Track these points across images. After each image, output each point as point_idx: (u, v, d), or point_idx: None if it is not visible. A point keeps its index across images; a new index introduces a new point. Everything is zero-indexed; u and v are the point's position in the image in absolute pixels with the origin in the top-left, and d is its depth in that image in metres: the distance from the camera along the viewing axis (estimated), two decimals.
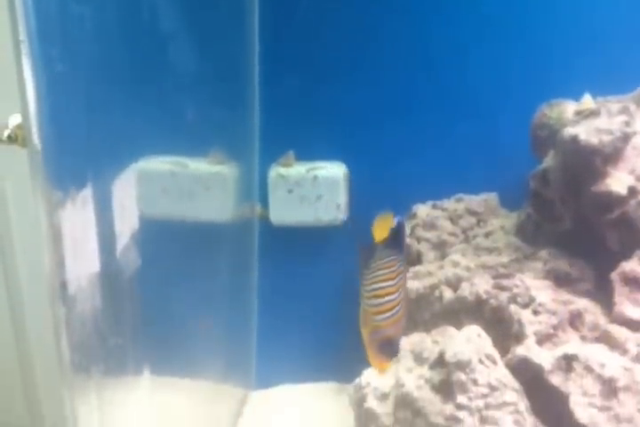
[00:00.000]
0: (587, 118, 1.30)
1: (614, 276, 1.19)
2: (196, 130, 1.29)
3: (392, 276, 0.93)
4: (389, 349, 0.90)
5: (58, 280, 0.79)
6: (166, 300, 1.21)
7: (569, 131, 1.26)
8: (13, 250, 1.68)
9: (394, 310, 0.91)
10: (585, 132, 1.24)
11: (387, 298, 0.91)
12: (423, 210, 1.63)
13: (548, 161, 1.33)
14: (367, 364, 1.28)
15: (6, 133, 1.24)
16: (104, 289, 0.89)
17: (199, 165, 1.42)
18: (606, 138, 1.23)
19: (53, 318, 0.80)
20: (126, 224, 1.02)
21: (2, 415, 1.84)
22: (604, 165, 1.22)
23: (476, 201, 1.60)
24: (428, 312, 1.42)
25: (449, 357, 1.19)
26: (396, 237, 1.00)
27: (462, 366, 1.17)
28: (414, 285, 1.45)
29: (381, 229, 1.03)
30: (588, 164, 1.22)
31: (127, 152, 1.04)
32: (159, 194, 1.24)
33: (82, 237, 0.86)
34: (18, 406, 1.86)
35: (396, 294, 0.91)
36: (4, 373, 1.78)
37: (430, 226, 1.58)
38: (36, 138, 0.78)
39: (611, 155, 1.24)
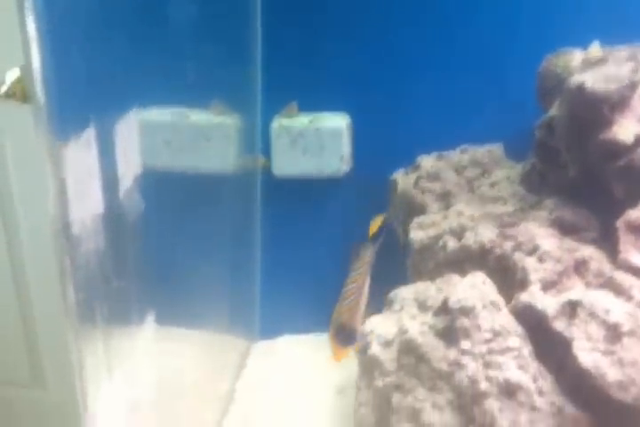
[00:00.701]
0: (594, 66, 1.28)
1: (619, 223, 1.18)
2: (197, 80, 1.28)
3: (360, 264, 0.95)
4: (343, 336, 0.89)
5: (62, 220, 0.79)
6: (168, 248, 1.21)
7: (576, 78, 1.25)
8: (13, 204, 1.68)
9: (352, 297, 0.91)
10: (592, 80, 1.23)
11: (350, 286, 0.93)
12: (427, 161, 1.62)
13: (554, 110, 1.32)
14: (369, 314, 1.30)
15: (4, 89, 1.22)
16: (107, 232, 0.89)
17: (201, 116, 1.41)
18: (614, 85, 1.22)
19: (57, 259, 0.80)
20: (128, 171, 1.02)
21: (3, 373, 1.85)
22: (610, 113, 1.21)
23: (480, 152, 1.59)
24: (431, 262, 1.43)
25: (453, 303, 1.19)
26: (379, 230, 1.03)
27: (466, 312, 1.17)
28: (418, 235, 1.45)
29: (373, 227, 1.05)
30: (594, 112, 1.21)
31: (128, 102, 1.03)
32: (160, 145, 1.23)
33: (85, 180, 0.86)
34: (19, 363, 1.88)
35: (356, 283, 0.92)
36: (5, 330, 1.79)
37: (434, 177, 1.57)
38: (38, 81, 0.77)
39: (618, 103, 1.23)
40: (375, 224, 1.16)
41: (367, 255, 0.98)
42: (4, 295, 1.76)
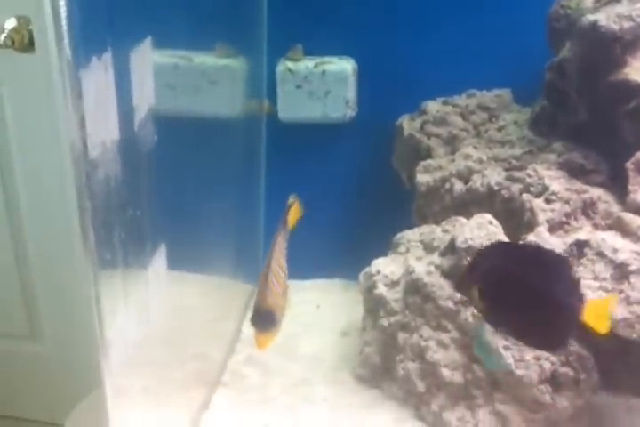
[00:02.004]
0: (607, 5, 1.26)
1: (629, 165, 1.18)
2: (202, 22, 1.25)
3: (273, 248, 0.95)
4: (263, 322, 0.87)
5: (80, 140, 0.78)
6: (175, 192, 1.20)
7: (588, 17, 1.23)
8: (10, 155, 1.67)
9: (267, 282, 0.90)
10: (605, 19, 1.21)
11: (265, 270, 0.91)
12: (433, 106, 1.60)
13: (565, 52, 1.30)
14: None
15: (2, 37, 1.20)
16: (122, 158, 0.88)
17: (205, 59, 1.38)
18: (627, 24, 1.20)
19: (76, 181, 0.80)
20: (137, 110, 1.00)
21: (1, 326, 1.86)
22: (623, 54, 1.19)
23: (488, 97, 1.57)
24: (437, 205, 1.42)
25: (460, 243, 1.20)
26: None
27: (473, 251, 1.17)
28: (424, 178, 1.44)
29: (292, 217, 1.10)
30: (606, 51, 1.19)
31: (134, 39, 1.01)
32: (164, 88, 1.21)
33: (101, 104, 0.85)
34: (17, 316, 1.88)
35: (271, 267, 0.91)
36: (2, 283, 1.79)
37: (440, 122, 1.56)
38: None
39: (631, 42, 1.21)
40: (294, 213, 1.11)
41: (279, 239, 0.97)
42: (2, 250, 1.76)
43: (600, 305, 0.84)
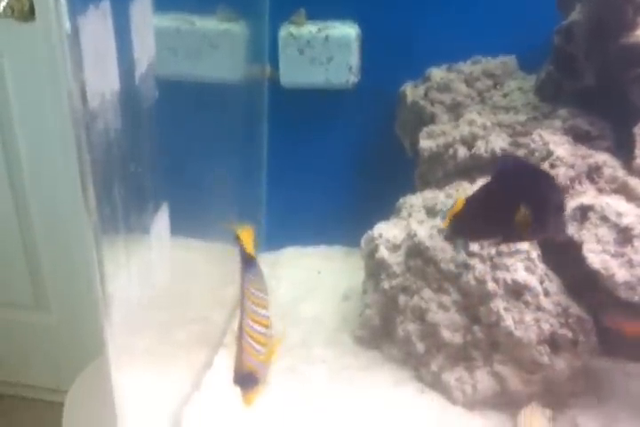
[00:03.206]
0: None
1: (637, 129, 1.17)
2: None
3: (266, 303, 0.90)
4: (243, 380, 0.85)
5: (78, 91, 0.77)
6: (177, 156, 1.19)
7: None
8: (12, 125, 1.66)
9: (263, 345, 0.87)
10: None
11: (266, 330, 0.88)
12: (437, 73, 1.59)
13: (575, 15, 1.29)
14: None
15: (2, 6, 1.18)
16: (123, 111, 0.87)
17: (206, 23, 1.37)
18: None
19: (75, 134, 0.78)
20: (142, 58, 0.99)
21: (6, 295, 1.86)
22: (635, 15, 1.18)
23: (493, 63, 1.55)
24: (440, 171, 1.42)
25: None
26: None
27: None
28: (427, 144, 1.44)
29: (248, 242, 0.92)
30: (618, 13, 1.18)
31: None
32: (165, 51, 1.20)
33: (101, 53, 0.83)
34: (22, 285, 1.88)
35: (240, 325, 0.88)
36: (7, 252, 1.79)
37: (444, 88, 1.55)
38: None
39: None
40: (246, 238, 0.91)
41: (245, 288, 0.90)
42: (5, 219, 1.75)
43: None
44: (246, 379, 0.84)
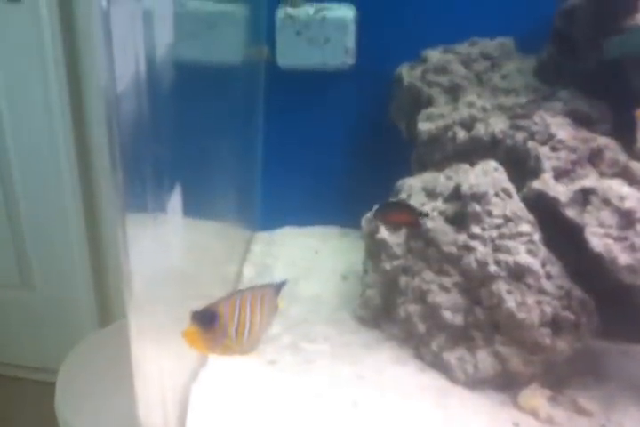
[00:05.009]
0: None
1: (639, 113, 1.18)
2: None
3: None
4: (202, 315, 0.82)
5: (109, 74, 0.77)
6: (176, 137, 1.19)
7: None
8: None
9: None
10: None
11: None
12: (434, 54, 1.58)
13: None
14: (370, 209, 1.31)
15: None
16: (145, 94, 0.87)
17: (204, 3, 1.35)
18: None
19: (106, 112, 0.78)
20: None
21: None
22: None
23: (491, 45, 1.55)
24: (438, 154, 1.42)
25: (465, 189, 1.20)
26: None
27: (478, 197, 1.18)
28: (426, 126, 1.44)
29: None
30: None
31: None
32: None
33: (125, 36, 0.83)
34: (8, 265, 1.88)
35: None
36: None
37: (442, 70, 1.54)
38: None
39: None
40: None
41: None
42: None
43: None
44: (203, 314, 0.80)
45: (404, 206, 1.24)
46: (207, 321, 0.80)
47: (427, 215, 1.22)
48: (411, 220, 1.20)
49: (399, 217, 1.22)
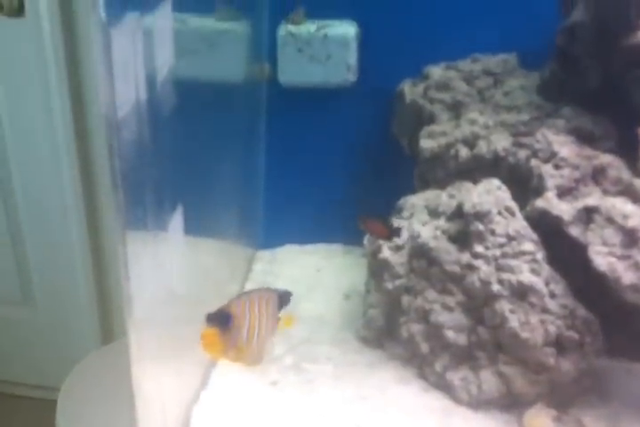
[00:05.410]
0: None
1: None
2: None
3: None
4: (217, 316, 0.82)
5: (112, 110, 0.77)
6: (180, 152, 1.19)
7: None
8: (0, 121, 1.66)
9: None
10: None
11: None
12: (436, 71, 1.58)
13: (578, 15, 1.28)
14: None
15: None
16: (145, 115, 0.87)
17: (204, 22, 1.36)
18: None
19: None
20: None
21: None
22: (638, 16, 1.18)
23: (493, 61, 1.55)
24: (441, 172, 1.42)
25: (468, 208, 1.19)
26: None
27: (481, 216, 1.17)
28: (428, 144, 1.43)
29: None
30: (621, 14, 1.18)
31: None
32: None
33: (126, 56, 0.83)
34: (10, 282, 1.87)
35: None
36: None
37: (444, 87, 1.54)
38: None
39: None
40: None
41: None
42: None
43: None
44: (219, 315, 0.81)
45: (384, 220, 1.33)
46: (224, 322, 0.81)
47: (398, 231, 1.31)
48: (384, 232, 1.29)
49: (376, 226, 1.30)
